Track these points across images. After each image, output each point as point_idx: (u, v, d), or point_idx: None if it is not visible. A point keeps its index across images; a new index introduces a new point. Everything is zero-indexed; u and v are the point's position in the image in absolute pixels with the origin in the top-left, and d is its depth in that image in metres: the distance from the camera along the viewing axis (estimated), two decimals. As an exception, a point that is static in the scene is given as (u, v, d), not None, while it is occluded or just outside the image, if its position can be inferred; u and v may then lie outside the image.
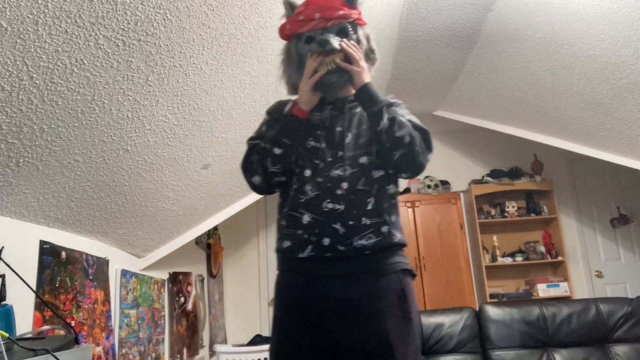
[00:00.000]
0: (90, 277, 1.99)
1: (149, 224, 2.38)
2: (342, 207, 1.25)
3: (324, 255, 1.25)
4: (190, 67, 1.72)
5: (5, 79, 1.17)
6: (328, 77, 1.32)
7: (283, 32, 1.42)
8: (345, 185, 1.27)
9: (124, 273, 2.34)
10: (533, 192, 4.62)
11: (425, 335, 3.01)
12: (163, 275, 2.90)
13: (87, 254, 1.98)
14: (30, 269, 1.60)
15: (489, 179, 4.63)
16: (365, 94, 1.32)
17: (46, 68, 1.23)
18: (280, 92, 2.41)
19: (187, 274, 3.30)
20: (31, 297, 1.57)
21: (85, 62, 1.32)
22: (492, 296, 4.28)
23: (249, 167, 1.39)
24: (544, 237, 4.56)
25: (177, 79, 1.71)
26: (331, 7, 1.33)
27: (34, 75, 1.22)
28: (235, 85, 2.07)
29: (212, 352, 3.70)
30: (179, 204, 2.47)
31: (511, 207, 4.54)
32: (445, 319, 3.11)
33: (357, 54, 1.32)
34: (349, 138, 1.34)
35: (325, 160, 1.31)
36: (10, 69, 1.16)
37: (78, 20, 1.20)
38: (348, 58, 1.31)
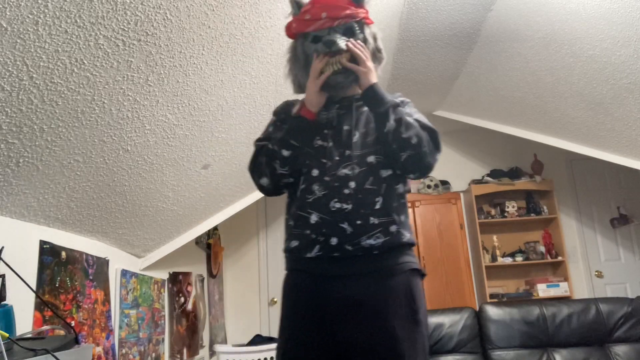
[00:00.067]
0: (90, 277, 1.99)
1: (149, 224, 2.38)
2: (349, 206, 1.24)
3: (331, 255, 1.24)
4: (190, 67, 1.72)
5: (5, 79, 1.17)
6: (334, 77, 1.32)
7: (289, 31, 1.41)
8: (352, 184, 1.26)
9: (124, 273, 2.34)
10: (533, 192, 4.62)
11: (425, 335, 3.01)
12: (163, 275, 2.90)
13: (87, 254, 1.98)
14: (30, 269, 1.60)
15: (489, 179, 4.63)
16: (372, 95, 1.30)
17: (46, 68, 1.23)
18: (280, 92, 2.42)
19: (187, 274, 3.30)
20: (31, 297, 1.57)
21: (85, 62, 1.32)
22: (492, 296, 4.28)
23: (256, 169, 1.38)
24: (544, 237, 4.56)
25: (177, 79, 1.71)
26: (338, 6, 1.32)
27: (34, 75, 1.22)
28: (235, 85, 2.07)
29: (212, 352, 3.70)
30: (179, 204, 2.47)
31: (511, 207, 4.54)
32: (445, 319, 3.11)
33: (364, 54, 1.31)
34: (356, 137, 1.33)
35: (332, 159, 1.30)
36: (10, 69, 1.16)
37: (78, 20, 1.20)
38: (354, 58, 1.31)
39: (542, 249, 4.49)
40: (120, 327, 2.24)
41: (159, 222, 2.43)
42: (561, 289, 4.25)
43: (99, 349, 2.00)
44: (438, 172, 4.68)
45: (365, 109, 1.37)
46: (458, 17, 2.92)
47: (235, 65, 1.95)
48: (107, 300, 2.13)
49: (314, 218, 1.26)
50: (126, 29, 1.34)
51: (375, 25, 1.43)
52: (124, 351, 2.24)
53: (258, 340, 3.55)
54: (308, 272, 1.28)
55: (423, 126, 1.30)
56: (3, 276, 1.36)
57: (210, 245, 3.95)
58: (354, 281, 1.24)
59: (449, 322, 3.11)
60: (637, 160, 3.35)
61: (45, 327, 1.58)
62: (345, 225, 1.23)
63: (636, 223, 4.59)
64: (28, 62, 1.18)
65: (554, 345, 3.01)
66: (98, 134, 1.59)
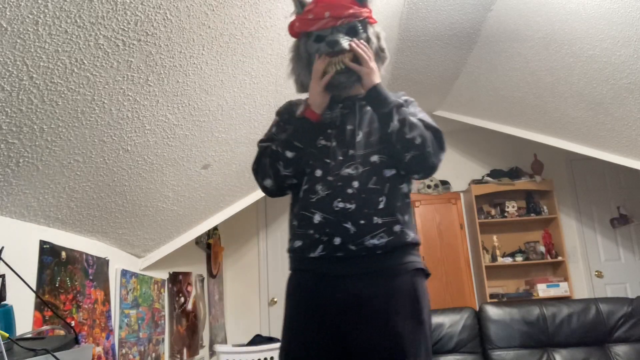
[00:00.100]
0: (90, 277, 1.99)
1: (149, 224, 2.37)
2: (353, 206, 1.24)
3: (335, 255, 1.24)
4: (190, 67, 1.72)
5: (5, 79, 1.17)
6: (337, 77, 1.31)
7: (292, 30, 1.41)
8: (356, 184, 1.26)
9: (124, 273, 2.34)
10: (533, 192, 4.62)
11: (425, 335, 3.01)
12: (163, 275, 2.90)
13: (87, 254, 1.98)
14: (30, 269, 1.60)
15: (489, 179, 4.63)
16: (375, 96, 1.30)
17: (46, 68, 1.23)
18: (280, 92, 2.41)
19: (187, 274, 3.30)
20: (31, 297, 1.57)
21: (85, 62, 1.32)
22: (492, 296, 4.28)
23: (260, 170, 1.38)
24: (544, 237, 4.56)
25: (177, 79, 1.71)
26: (341, 5, 1.32)
27: (34, 75, 1.22)
28: (235, 85, 2.07)
29: (212, 352, 3.70)
30: (179, 204, 2.47)
31: (511, 207, 4.54)
32: (445, 319, 3.11)
33: (367, 54, 1.31)
34: (359, 136, 1.33)
35: (336, 159, 1.30)
36: (10, 69, 1.16)
37: (78, 20, 1.20)
38: (357, 58, 1.30)
39: (542, 249, 4.49)
40: (120, 327, 2.24)
41: (159, 222, 2.43)
42: (561, 289, 4.25)
43: (99, 349, 2.00)
44: (438, 172, 4.63)
45: (369, 108, 1.36)
46: (458, 17, 2.92)
47: (235, 65, 1.95)
48: (107, 300, 2.13)
49: (317, 218, 1.26)
50: (126, 29, 1.34)
51: (378, 24, 1.43)
52: (124, 351, 2.24)
53: (258, 340, 3.54)
54: (312, 272, 1.28)
55: (427, 126, 1.30)
56: (3, 276, 1.36)
57: (210, 245, 3.95)
58: (358, 281, 1.23)
59: (449, 322, 3.11)
60: (637, 160, 3.35)
61: (45, 327, 1.58)
62: (348, 225, 1.23)
63: (636, 223, 4.58)
64: (28, 62, 1.18)
65: (554, 345, 3.01)
66: (98, 134, 1.59)
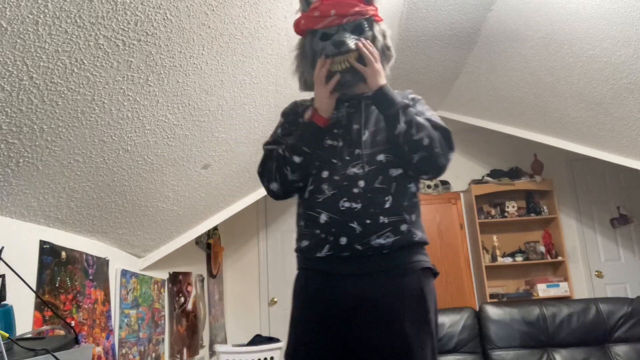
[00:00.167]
0: (90, 277, 1.99)
1: (149, 224, 2.37)
2: (359, 205, 1.23)
3: (341, 255, 1.24)
4: (190, 67, 1.72)
5: (5, 79, 1.17)
6: (342, 76, 1.30)
7: (297, 28, 1.40)
8: (362, 183, 1.25)
9: (124, 273, 2.34)
10: (533, 192, 4.62)
11: (425, 335, 3.01)
12: (163, 275, 2.90)
13: (87, 254, 1.98)
14: (30, 269, 1.60)
15: (489, 179, 4.63)
16: (381, 97, 1.29)
17: (46, 68, 1.23)
18: (280, 92, 2.42)
19: (187, 274, 3.30)
20: (31, 297, 1.57)
21: (85, 62, 1.32)
22: (492, 296, 4.28)
23: (266, 173, 1.37)
24: (544, 237, 4.56)
25: (177, 79, 1.71)
26: (347, 3, 1.31)
27: (34, 75, 1.22)
28: (235, 85, 2.07)
29: (212, 352, 3.70)
30: (179, 204, 2.47)
31: (511, 207, 4.54)
32: (445, 319, 3.11)
33: (373, 55, 1.30)
34: (366, 135, 1.32)
35: (342, 158, 1.30)
36: (10, 69, 1.16)
37: (78, 20, 1.20)
38: (363, 58, 1.29)
39: (542, 249, 4.49)
40: (120, 327, 2.24)
41: (159, 222, 2.43)
42: (561, 289, 4.25)
43: (99, 349, 2.00)
44: (438, 172, 4.67)
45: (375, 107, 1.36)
46: (458, 17, 2.92)
47: (235, 65, 1.95)
48: (107, 300, 2.13)
49: (323, 218, 1.26)
50: (126, 29, 1.34)
51: (384, 22, 1.42)
52: (124, 351, 2.24)
53: (258, 340, 3.54)
54: (318, 271, 1.28)
55: (435, 125, 1.29)
56: (3, 276, 1.36)
57: (210, 245, 3.95)
58: (365, 280, 1.23)
59: (449, 322, 3.11)
60: (637, 160, 3.35)
61: (45, 327, 1.58)
62: (354, 225, 1.22)
63: (636, 223, 4.59)
64: (28, 62, 1.18)
65: (554, 345, 3.01)
66: (98, 134, 1.59)
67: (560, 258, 4.39)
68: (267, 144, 1.42)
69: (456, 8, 2.83)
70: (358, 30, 1.33)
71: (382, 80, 1.30)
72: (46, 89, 1.28)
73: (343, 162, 1.29)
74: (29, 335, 1.30)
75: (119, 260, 2.33)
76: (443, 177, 4.73)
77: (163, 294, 2.85)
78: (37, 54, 1.18)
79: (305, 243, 1.30)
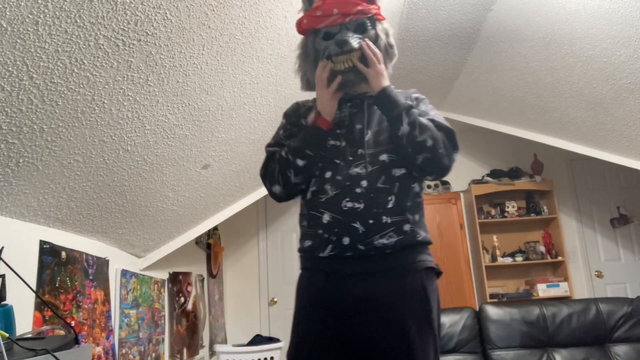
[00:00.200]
0: (90, 277, 1.99)
1: (149, 224, 2.37)
2: (361, 205, 1.23)
3: (344, 255, 1.24)
4: (190, 67, 1.72)
5: (5, 79, 1.17)
6: (345, 75, 1.30)
7: (300, 27, 1.39)
8: (364, 183, 1.25)
9: (124, 273, 2.34)
10: (533, 192, 4.63)
11: (425, 335, 3.01)
12: (163, 275, 2.90)
13: (87, 254, 1.98)
14: (30, 269, 1.60)
15: (489, 179, 4.63)
16: (383, 99, 1.29)
17: (46, 68, 1.23)
18: (280, 93, 2.41)
19: (187, 274, 3.30)
20: (31, 297, 1.57)
21: (85, 62, 1.32)
22: (492, 296, 4.28)
23: (268, 175, 1.37)
24: (544, 237, 4.56)
25: (177, 79, 1.71)
26: (350, 2, 1.30)
27: (34, 75, 1.22)
28: (235, 85, 2.07)
29: (212, 352, 3.70)
30: (179, 204, 2.47)
31: (511, 207, 4.55)
32: (445, 319, 3.11)
33: (376, 57, 1.29)
34: (368, 135, 1.32)
35: (345, 158, 1.30)
36: (10, 69, 1.16)
37: (78, 20, 1.20)
38: (365, 58, 1.29)
39: (542, 249, 4.49)
40: (120, 327, 2.24)
41: (159, 222, 2.43)
42: (561, 289, 4.25)
43: (99, 349, 2.00)
44: (438, 172, 4.67)
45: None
46: (458, 17, 2.92)
47: (235, 65, 1.95)
48: (107, 300, 2.13)
49: (326, 218, 1.26)
50: (126, 29, 1.34)
51: (387, 21, 1.42)
52: (124, 351, 2.24)
53: (258, 340, 3.54)
54: (321, 271, 1.28)
55: (438, 126, 1.28)
56: (3, 276, 1.36)
57: (210, 245, 3.95)
58: (367, 279, 1.23)
59: (449, 322, 3.11)
60: (637, 160, 3.35)
61: (45, 327, 1.58)
62: (357, 225, 1.22)
63: (636, 223, 4.59)
64: (28, 62, 1.18)
65: (554, 345, 3.01)
66: (98, 134, 1.59)
67: (560, 258, 4.39)
68: (269, 145, 1.42)
69: (456, 8, 2.83)
70: (361, 29, 1.33)
71: (385, 82, 1.30)
72: (46, 89, 1.28)
73: (346, 162, 1.29)
74: (29, 335, 1.30)
75: (119, 260, 2.33)
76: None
77: (163, 294, 2.85)
78: (37, 54, 1.18)
79: (308, 243, 1.30)
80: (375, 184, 1.25)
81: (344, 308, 1.23)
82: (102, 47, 1.32)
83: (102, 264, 2.12)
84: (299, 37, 1.45)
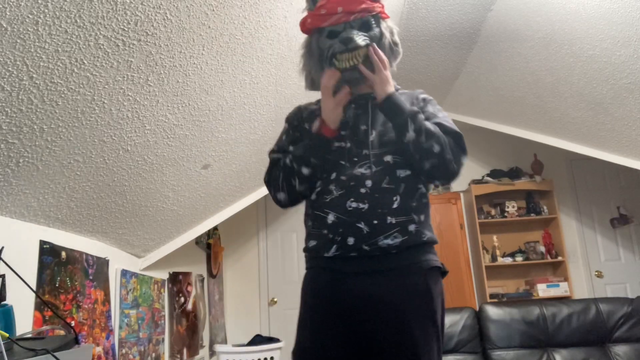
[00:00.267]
0: (90, 277, 1.99)
1: (149, 224, 2.37)
2: (366, 206, 1.23)
3: (349, 255, 1.24)
4: (190, 67, 1.72)
5: (5, 79, 1.17)
6: (350, 73, 1.29)
7: (304, 26, 1.38)
8: (369, 183, 1.25)
9: (124, 273, 2.34)
10: (533, 192, 4.62)
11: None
12: (163, 275, 2.90)
13: (87, 254, 1.98)
14: (30, 269, 1.60)
15: (489, 179, 4.63)
16: (389, 106, 1.28)
17: (46, 68, 1.23)
18: (280, 93, 2.41)
19: (187, 274, 3.30)
20: (31, 297, 1.57)
21: (85, 62, 1.32)
22: (492, 296, 4.28)
23: (272, 182, 1.37)
24: (544, 237, 4.56)
25: (177, 79, 1.71)
26: (354, 0, 1.30)
27: (34, 75, 1.22)
28: (235, 85, 2.07)
29: (212, 352, 3.70)
30: (179, 204, 2.47)
31: (511, 207, 4.54)
32: (445, 319, 3.10)
33: (382, 63, 1.29)
34: (373, 136, 1.32)
35: (350, 159, 1.30)
36: (10, 69, 1.16)
37: (78, 20, 1.20)
38: (371, 62, 1.28)
39: (542, 249, 4.49)
40: (120, 327, 2.24)
41: (159, 222, 2.43)
42: (561, 289, 4.25)
43: (99, 349, 2.00)
44: (438, 172, 4.67)
45: None
46: (458, 17, 2.92)
47: (235, 65, 1.95)
48: (107, 300, 2.13)
49: (331, 218, 1.26)
50: (126, 29, 1.34)
51: (391, 19, 1.42)
52: (124, 351, 2.24)
53: (258, 340, 3.54)
54: (326, 270, 1.28)
55: (446, 130, 1.28)
56: (3, 276, 1.36)
57: (210, 245, 3.95)
58: (371, 279, 1.23)
59: (449, 322, 3.10)
60: (637, 160, 3.35)
61: (45, 327, 1.58)
62: (362, 225, 1.22)
63: (636, 223, 4.59)
64: (28, 62, 1.18)
65: (554, 345, 3.01)
66: (98, 134, 1.59)
67: (560, 258, 4.39)
68: (272, 152, 1.42)
69: (456, 8, 2.83)
70: (365, 27, 1.32)
71: (390, 89, 1.29)
72: (46, 89, 1.28)
73: (351, 162, 1.29)
74: (29, 335, 1.30)
75: (119, 260, 2.33)
76: (443, 177, 4.73)
77: (163, 294, 2.85)
78: (37, 54, 1.18)
79: (313, 243, 1.30)
80: (380, 184, 1.25)
81: (349, 307, 1.23)
82: (102, 47, 1.32)
83: (102, 264, 2.12)
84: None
